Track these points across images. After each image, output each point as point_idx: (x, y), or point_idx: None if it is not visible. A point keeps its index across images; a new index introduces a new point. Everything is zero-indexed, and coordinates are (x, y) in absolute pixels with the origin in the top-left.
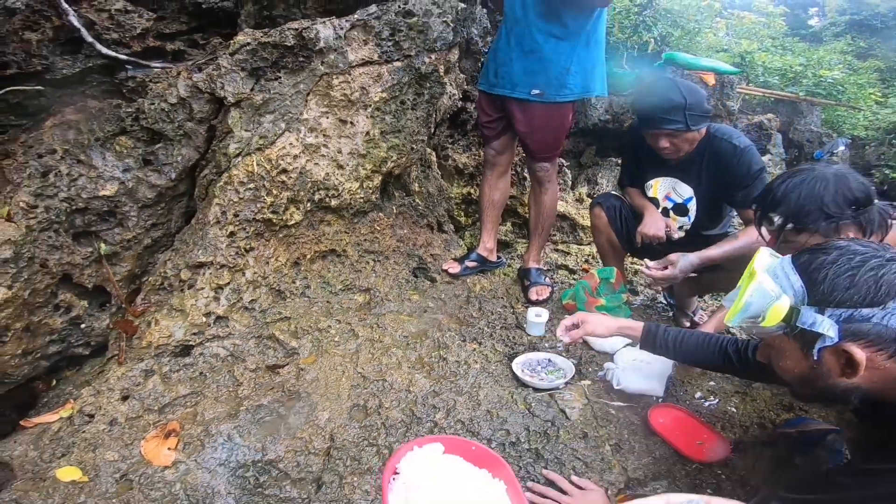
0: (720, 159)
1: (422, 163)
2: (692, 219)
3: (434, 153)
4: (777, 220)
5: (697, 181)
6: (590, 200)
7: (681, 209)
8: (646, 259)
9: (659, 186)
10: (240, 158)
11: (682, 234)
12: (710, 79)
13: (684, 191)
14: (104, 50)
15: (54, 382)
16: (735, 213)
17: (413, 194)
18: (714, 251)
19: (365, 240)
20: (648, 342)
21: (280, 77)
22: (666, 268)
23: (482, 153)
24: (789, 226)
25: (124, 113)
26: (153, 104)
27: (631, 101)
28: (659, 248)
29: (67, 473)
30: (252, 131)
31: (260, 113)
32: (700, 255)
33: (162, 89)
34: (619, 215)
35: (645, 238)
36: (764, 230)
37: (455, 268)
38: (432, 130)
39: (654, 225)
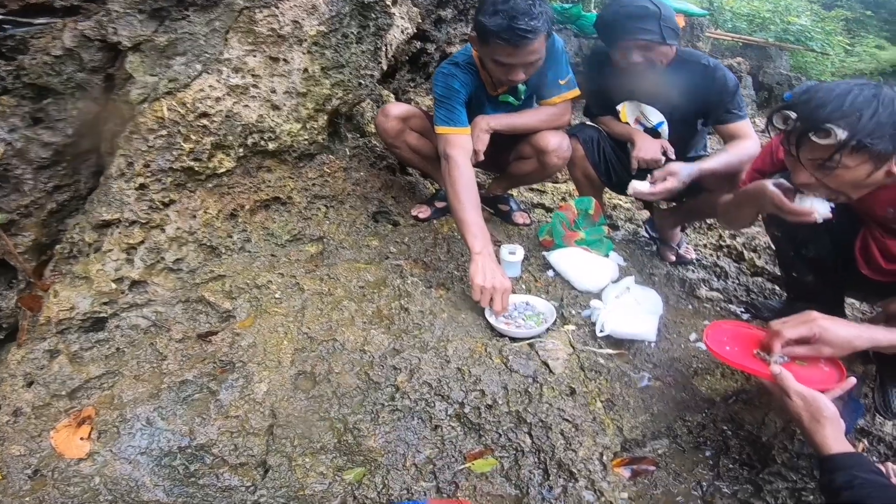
0: (692, 81)
1: (378, 104)
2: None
3: (393, 97)
4: (841, 134)
5: (667, 105)
6: None
7: (652, 133)
8: (634, 183)
9: (627, 111)
10: (145, 105)
11: (673, 150)
12: (680, 20)
13: (653, 115)
14: None
15: None
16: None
17: (369, 135)
18: (712, 163)
19: (314, 184)
20: None
21: (188, 15)
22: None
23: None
24: (853, 143)
25: (3, 72)
26: (34, 59)
27: (598, 18)
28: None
29: None
30: (159, 75)
31: (167, 55)
32: (699, 165)
33: (45, 43)
34: (595, 147)
35: (642, 163)
36: (810, 146)
37: (424, 212)
38: (384, 67)
39: (649, 149)
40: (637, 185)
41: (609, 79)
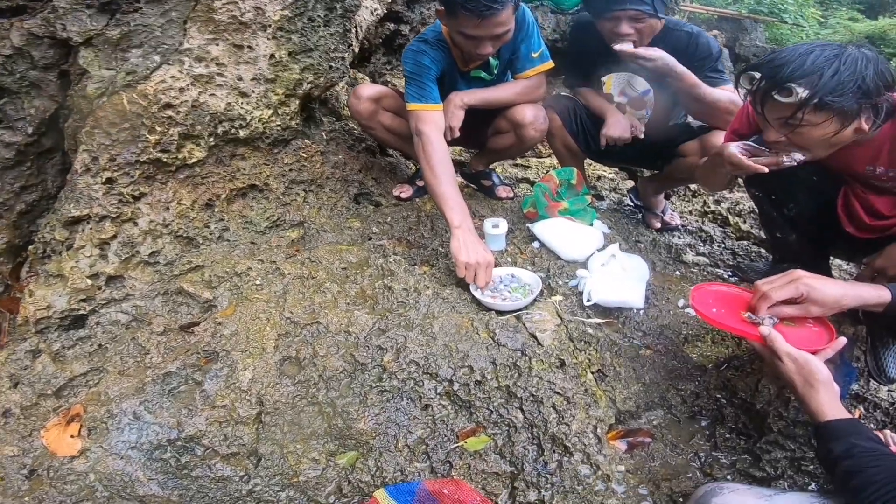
0: (676, 48)
1: (351, 86)
2: (650, 112)
3: (369, 80)
4: (802, 93)
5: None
6: None
7: (637, 102)
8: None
9: (613, 83)
10: (104, 99)
11: (642, 129)
12: None
13: (640, 84)
14: None
15: None
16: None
17: (345, 118)
18: (701, 84)
19: (291, 170)
20: None
21: (140, 7)
22: None
23: None
24: (815, 101)
25: None
26: None
27: None
28: (622, 149)
29: None
30: (115, 69)
31: (122, 48)
32: (685, 70)
33: None
34: (573, 117)
35: (610, 140)
36: (773, 105)
37: (406, 191)
38: (356, 50)
39: (618, 126)
40: (623, 45)
41: (594, 50)
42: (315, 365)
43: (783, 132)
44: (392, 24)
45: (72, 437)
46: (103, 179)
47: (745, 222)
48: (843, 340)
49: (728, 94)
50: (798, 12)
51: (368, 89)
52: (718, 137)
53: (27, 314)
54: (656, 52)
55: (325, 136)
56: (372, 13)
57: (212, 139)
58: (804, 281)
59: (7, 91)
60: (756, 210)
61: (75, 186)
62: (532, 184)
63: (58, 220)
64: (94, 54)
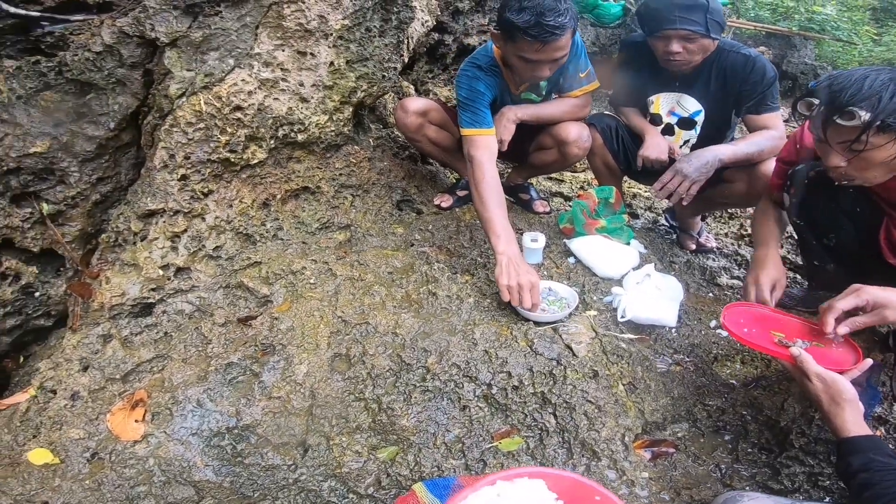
0: (732, 70)
1: (399, 95)
2: (699, 131)
3: (413, 88)
4: (865, 116)
5: (705, 95)
6: None
7: (687, 123)
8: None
9: (661, 102)
10: (184, 99)
11: (686, 150)
12: None
13: (690, 105)
14: (11, 9)
15: (22, 359)
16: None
17: (391, 126)
18: (743, 147)
19: (341, 174)
20: None
21: (221, 11)
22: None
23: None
24: (877, 123)
25: (45, 68)
26: (76, 55)
27: (642, 4)
28: (660, 169)
29: (39, 456)
30: (195, 70)
31: (202, 51)
32: (733, 150)
33: (85, 39)
34: (614, 136)
35: (647, 162)
36: (836, 129)
37: (447, 201)
38: (406, 60)
39: (656, 147)
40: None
41: (644, 69)
42: (364, 363)
43: (847, 156)
44: (436, 34)
45: (136, 421)
46: (178, 176)
47: (781, 247)
48: (868, 362)
49: (771, 137)
50: (852, 29)
51: (415, 103)
52: (766, 164)
53: (103, 300)
54: (692, 170)
55: (372, 143)
56: (423, 25)
57: (272, 142)
58: (866, 290)
59: (94, 87)
60: (794, 236)
61: (153, 181)
62: (566, 198)
63: (133, 212)
64: (178, 55)
